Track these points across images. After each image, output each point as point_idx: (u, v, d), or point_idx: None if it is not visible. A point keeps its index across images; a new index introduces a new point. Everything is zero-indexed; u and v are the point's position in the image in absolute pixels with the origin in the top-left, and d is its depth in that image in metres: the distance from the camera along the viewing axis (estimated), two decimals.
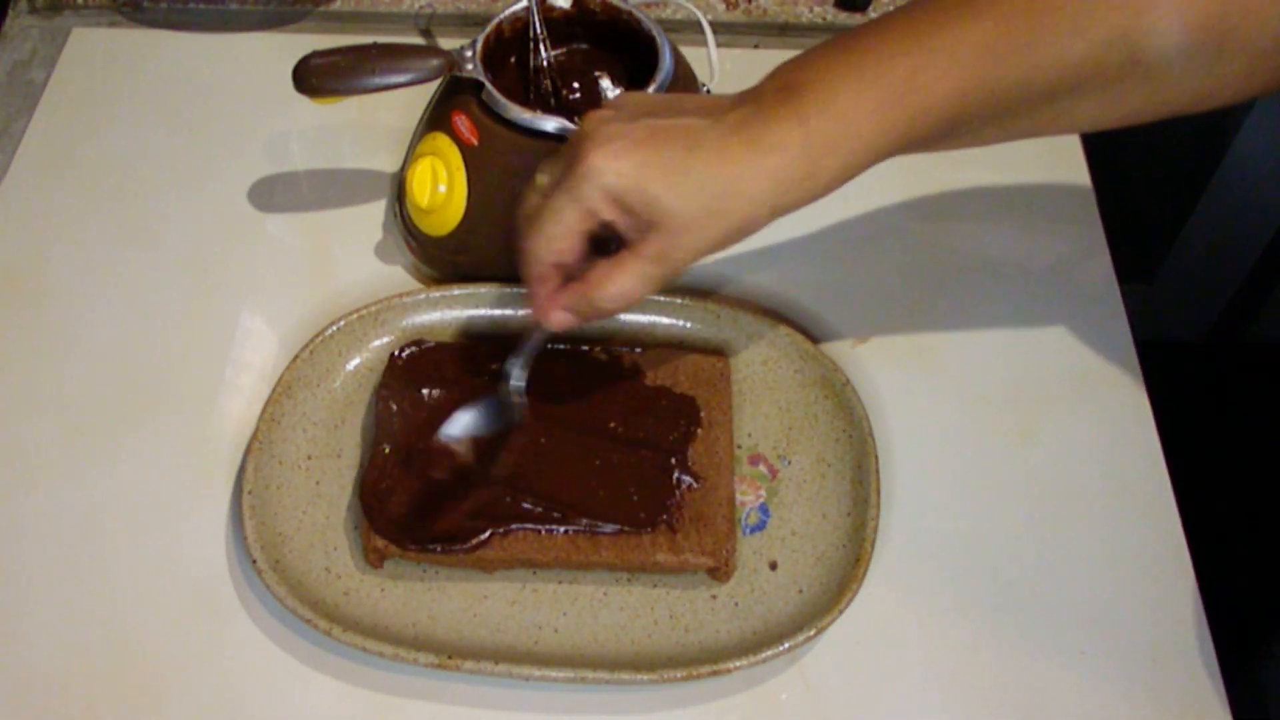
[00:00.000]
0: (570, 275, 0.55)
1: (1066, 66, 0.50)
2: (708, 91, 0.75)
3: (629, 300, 0.54)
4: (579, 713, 0.58)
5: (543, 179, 0.55)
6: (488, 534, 0.59)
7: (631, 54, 0.72)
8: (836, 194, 0.77)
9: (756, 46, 0.87)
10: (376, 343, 0.68)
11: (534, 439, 0.62)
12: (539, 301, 0.56)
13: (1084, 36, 0.50)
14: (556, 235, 0.53)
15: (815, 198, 0.52)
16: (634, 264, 0.53)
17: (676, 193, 0.50)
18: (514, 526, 0.59)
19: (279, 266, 0.74)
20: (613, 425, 0.63)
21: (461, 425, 0.61)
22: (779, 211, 0.52)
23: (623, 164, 0.50)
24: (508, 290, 0.69)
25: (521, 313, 0.69)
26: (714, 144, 0.51)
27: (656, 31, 0.70)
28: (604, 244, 0.54)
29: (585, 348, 0.66)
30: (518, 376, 0.61)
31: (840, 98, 0.50)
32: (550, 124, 0.66)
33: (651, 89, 0.67)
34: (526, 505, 0.60)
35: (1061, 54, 0.50)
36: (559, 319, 0.56)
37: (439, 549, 0.59)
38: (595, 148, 0.51)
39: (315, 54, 0.67)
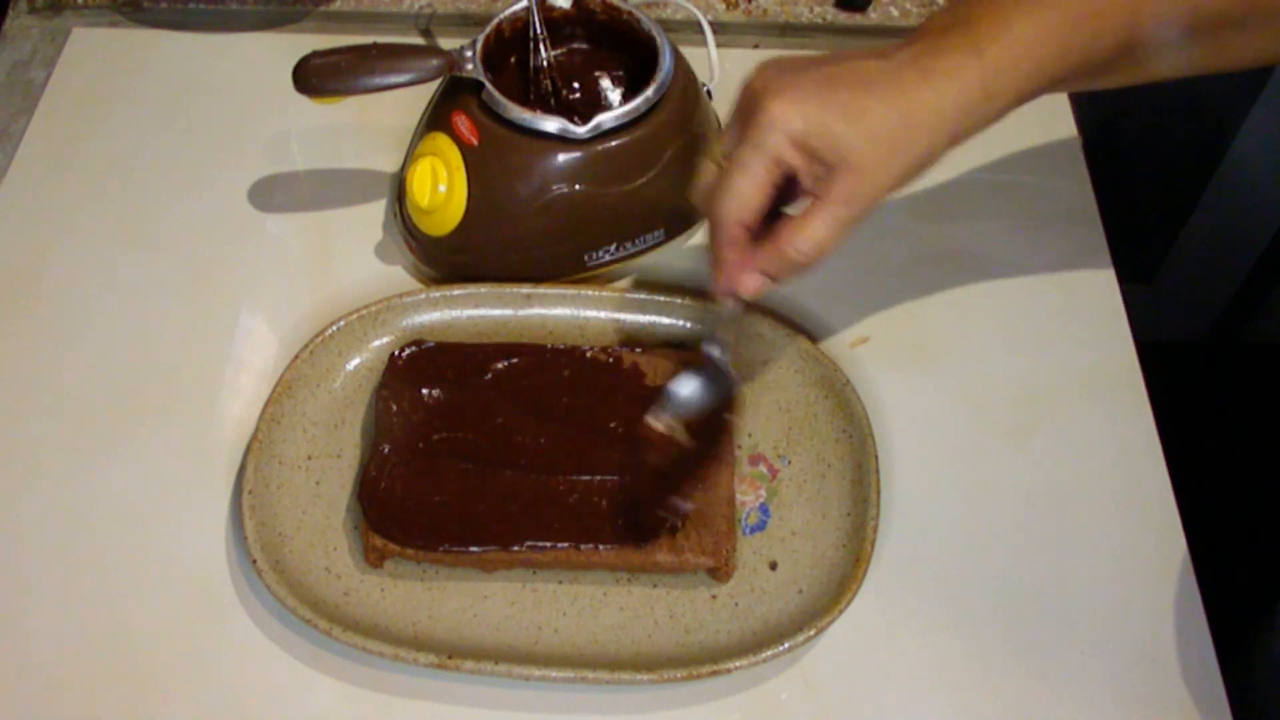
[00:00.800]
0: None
1: None
2: (709, 92, 0.75)
3: (824, 250, 0.53)
4: (579, 713, 0.58)
5: (719, 149, 0.55)
6: (493, 548, 0.59)
7: (631, 54, 0.72)
8: None
9: (756, 46, 0.87)
10: (376, 343, 0.68)
11: (535, 439, 0.62)
12: (731, 269, 0.55)
13: None
14: (747, 191, 0.53)
15: (990, 123, 0.53)
16: (824, 210, 0.53)
17: (859, 129, 0.51)
18: (517, 548, 0.59)
19: (279, 266, 0.74)
20: (613, 425, 0.63)
21: (678, 401, 0.61)
22: (959, 139, 0.53)
23: (805, 107, 0.51)
24: (508, 290, 0.69)
25: (522, 312, 0.69)
26: (889, 79, 0.51)
27: (656, 31, 0.70)
28: (776, 213, 0.55)
29: (585, 348, 0.66)
30: (722, 351, 0.60)
31: (1015, 24, 0.52)
32: (550, 124, 0.66)
33: (651, 89, 0.67)
34: (530, 523, 0.60)
35: None
36: (752, 283, 0.55)
37: (439, 549, 0.59)
38: (774, 96, 0.51)
39: (315, 54, 0.67)
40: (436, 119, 0.70)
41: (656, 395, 0.62)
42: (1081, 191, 0.78)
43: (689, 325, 0.69)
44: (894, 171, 0.52)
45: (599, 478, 0.61)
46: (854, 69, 0.52)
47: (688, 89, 0.71)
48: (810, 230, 0.53)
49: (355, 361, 0.68)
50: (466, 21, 0.87)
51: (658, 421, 0.60)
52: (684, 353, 0.67)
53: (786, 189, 0.54)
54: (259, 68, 0.84)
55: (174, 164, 0.79)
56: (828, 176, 0.52)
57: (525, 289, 0.69)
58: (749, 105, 0.53)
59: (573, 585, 0.61)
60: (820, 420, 0.66)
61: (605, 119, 0.67)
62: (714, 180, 0.55)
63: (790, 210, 0.55)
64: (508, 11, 0.71)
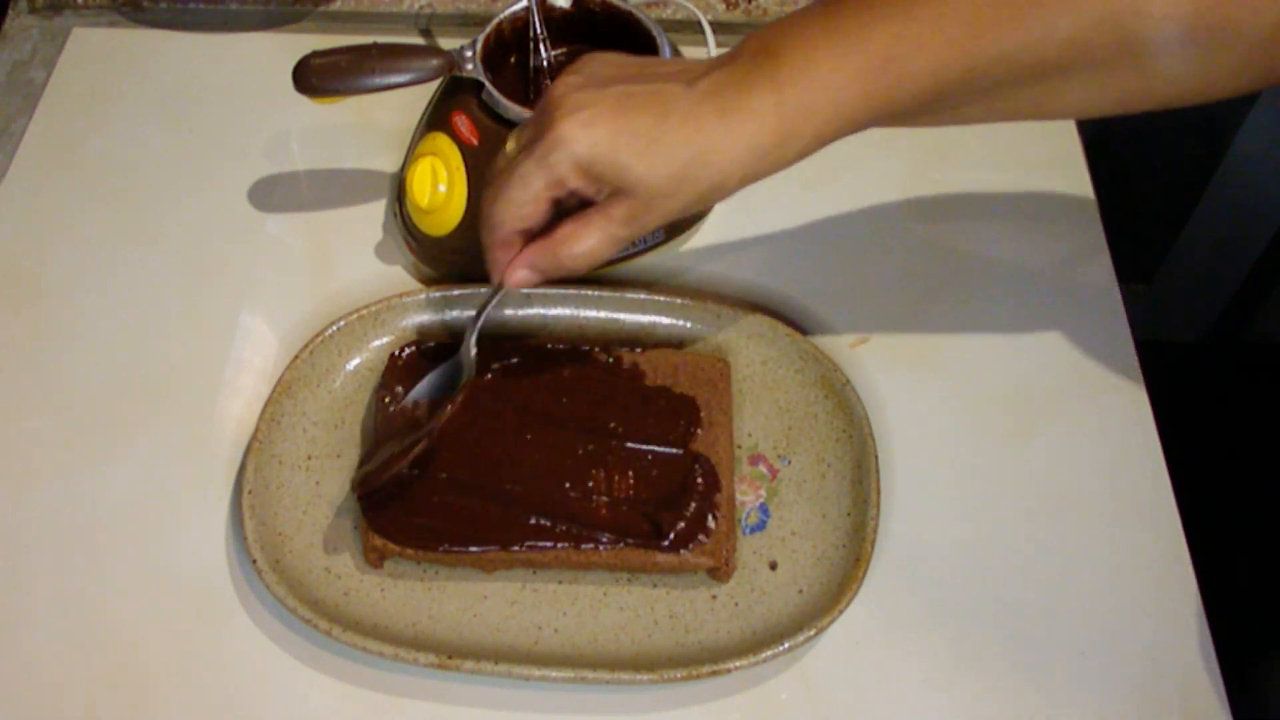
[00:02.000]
0: (531, 235, 0.55)
1: (1053, 44, 0.50)
2: None
3: (595, 260, 0.54)
4: (579, 713, 0.58)
5: (512, 145, 0.55)
6: (493, 548, 0.59)
7: (631, 54, 0.72)
8: (836, 193, 0.77)
9: None
10: (376, 343, 0.68)
11: (534, 439, 0.62)
12: (497, 267, 0.56)
13: (1073, 14, 0.49)
14: (523, 201, 0.53)
15: (786, 165, 0.52)
16: (602, 224, 0.53)
17: (648, 162, 0.50)
18: (517, 548, 0.59)
19: (279, 266, 0.74)
20: (613, 425, 0.63)
21: (419, 390, 0.62)
22: (749, 179, 0.52)
23: (593, 133, 0.50)
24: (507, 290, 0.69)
25: (522, 312, 0.69)
26: (685, 111, 0.50)
27: (656, 31, 0.70)
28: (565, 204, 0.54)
29: (585, 348, 0.66)
30: (469, 342, 0.61)
31: (818, 65, 0.50)
32: None
33: None
34: (530, 523, 0.60)
35: (1049, 31, 0.49)
36: (521, 277, 0.56)
37: (439, 549, 0.59)
38: (565, 116, 0.50)
39: (315, 54, 0.67)
40: (436, 119, 0.70)
41: (639, 397, 0.63)
42: (1081, 191, 0.78)
43: (689, 325, 0.69)
44: (678, 203, 0.52)
45: (599, 478, 0.61)
46: (654, 94, 0.51)
47: None
48: (585, 240, 0.53)
49: (355, 361, 0.68)
50: (466, 21, 0.87)
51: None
52: (683, 353, 0.67)
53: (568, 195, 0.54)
54: (259, 68, 0.84)
55: (174, 164, 0.79)
56: (610, 196, 0.52)
57: (525, 289, 0.69)
58: (543, 115, 0.52)
59: (573, 585, 0.61)
60: (820, 420, 0.66)
61: None
62: (496, 175, 0.54)
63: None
64: (508, 11, 0.71)
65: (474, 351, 0.61)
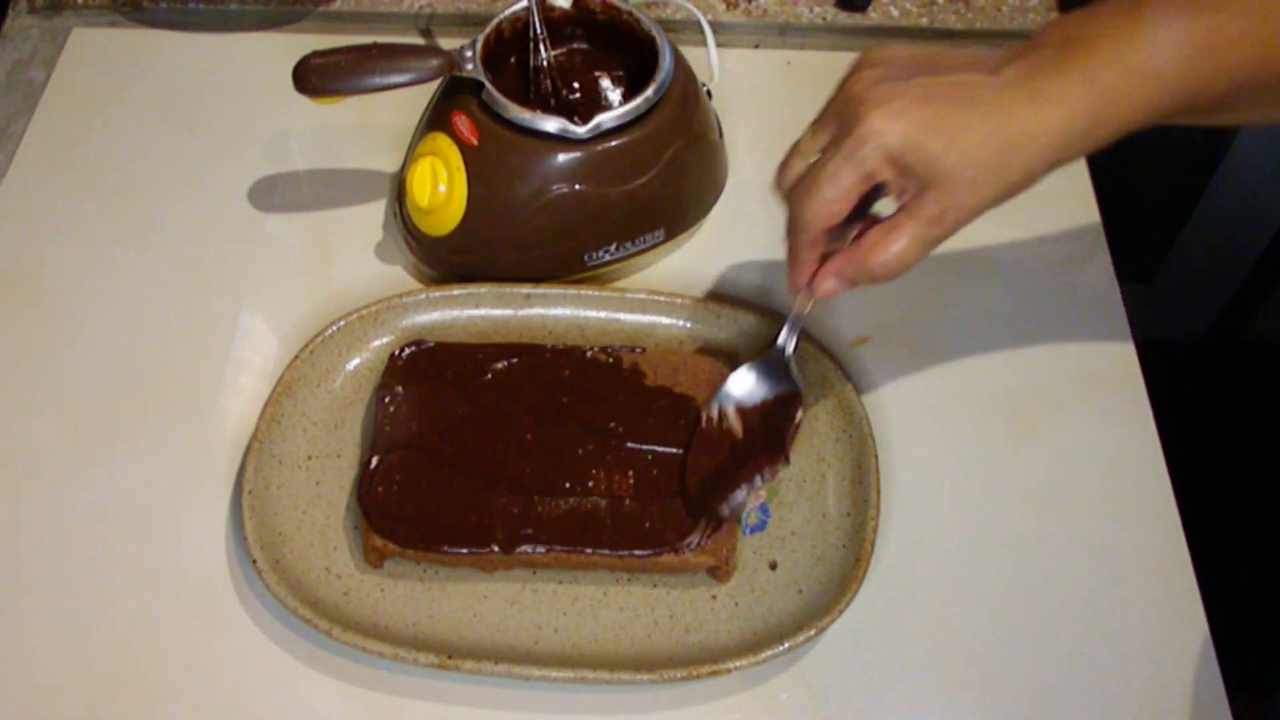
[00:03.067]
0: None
1: None
2: (709, 92, 0.75)
3: (905, 266, 0.53)
4: (579, 713, 0.58)
5: (810, 144, 0.54)
6: (493, 549, 0.59)
7: (631, 54, 0.72)
8: None
9: (756, 46, 0.87)
10: (376, 343, 0.68)
11: (535, 439, 0.62)
12: (804, 268, 0.56)
13: None
14: (834, 199, 0.52)
15: (1091, 151, 0.52)
16: (910, 226, 0.52)
17: (958, 151, 0.50)
18: (517, 549, 0.59)
19: (279, 266, 0.74)
20: (613, 425, 0.63)
21: (743, 388, 0.63)
22: (1057, 165, 0.52)
23: (903, 124, 0.50)
24: (508, 290, 0.69)
25: (522, 312, 0.69)
26: (993, 99, 0.50)
27: (656, 31, 0.70)
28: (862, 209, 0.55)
29: (585, 348, 0.66)
30: (789, 345, 0.62)
31: (1133, 52, 0.49)
32: (550, 124, 0.66)
33: (651, 89, 0.67)
34: (531, 523, 0.60)
35: None
36: (830, 286, 0.56)
37: (439, 549, 0.59)
38: (873, 108, 0.50)
39: (315, 54, 0.67)
40: (436, 119, 0.70)
41: (639, 397, 0.63)
42: (1081, 191, 0.78)
43: (689, 325, 0.69)
44: (986, 195, 0.51)
45: (599, 478, 0.61)
46: (959, 84, 0.51)
47: (688, 89, 0.71)
48: (895, 245, 0.52)
49: (355, 361, 0.68)
50: (466, 21, 0.87)
51: (716, 412, 0.63)
52: (683, 353, 0.67)
53: (873, 191, 0.54)
54: (259, 68, 0.84)
55: (174, 164, 0.79)
56: (918, 194, 0.51)
57: (525, 289, 0.69)
58: (846, 110, 0.52)
59: (573, 585, 0.61)
60: (820, 420, 0.66)
61: (605, 119, 0.67)
62: (801, 177, 0.54)
63: (876, 211, 0.55)
64: (508, 11, 0.71)
65: (796, 370, 0.63)
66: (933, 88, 0.50)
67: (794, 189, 0.55)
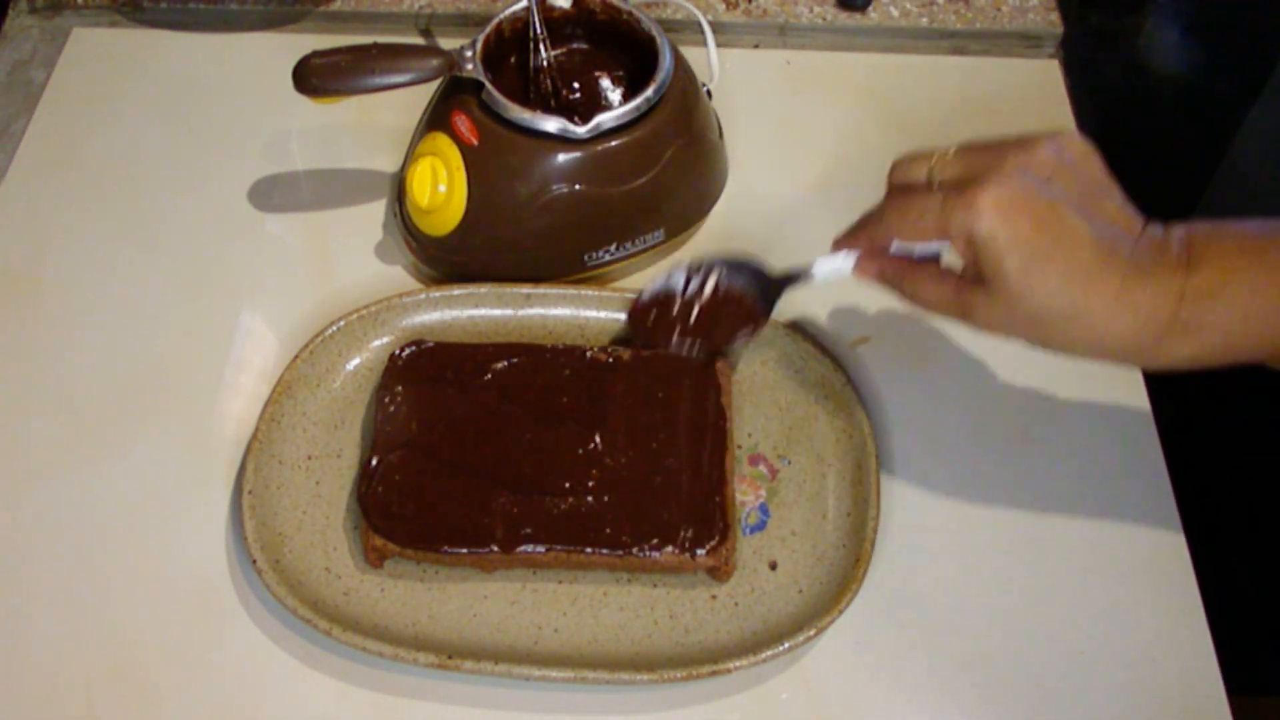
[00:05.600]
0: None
1: None
2: (708, 92, 0.75)
3: (927, 309, 0.55)
4: (579, 713, 0.58)
5: (945, 164, 0.53)
6: (493, 549, 0.59)
7: (631, 54, 0.72)
8: (836, 194, 0.77)
9: (756, 46, 0.87)
10: (376, 343, 0.68)
11: (535, 439, 0.62)
12: (854, 242, 0.57)
13: None
14: (907, 230, 0.53)
15: (1140, 368, 0.52)
16: (953, 292, 0.53)
17: (1027, 283, 0.50)
18: (519, 551, 0.59)
19: (279, 266, 0.74)
20: (613, 425, 0.63)
21: (735, 279, 0.65)
22: (1100, 359, 0.52)
23: (1004, 227, 0.49)
24: (508, 290, 0.69)
25: (522, 312, 0.69)
26: (1089, 269, 0.49)
27: (656, 31, 0.70)
28: None
29: (585, 348, 0.66)
30: (788, 285, 0.63)
31: (1228, 293, 0.49)
32: (550, 124, 0.66)
33: (651, 89, 0.67)
34: (530, 523, 0.60)
35: None
36: (868, 269, 0.57)
37: (439, 549, 0.59)
38: (993, 189, 0.50)
39: (315, 54, 0.67)
40: (436, 119, 0.70)
41: (639, 397, 0.64)
42: None
43: None
44: (1016, 332, 0.52)
45: (599, 478, 0.61)
46: (1076, 230, 0.49)
47: (688, 89, 0.71)
48: (931, 292, 0.54)
49: (355, 361, 0.68)
50: (466, 21, 0.87)
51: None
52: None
53: None
54: (259, 68, 0.84)
55: (174, 164, 0.79)
56: (974, 278, 0.52)
57: (525, 289, 0.69)
58: (989, 168, 0.51)
59: (573, 585, 0.61)
60: (820, 420, 0.66)
61: (605, 119, 0.67)
62: (909, 189, 0.54)
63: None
64: (508, 11, 0.71)
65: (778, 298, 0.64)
66: (1054, 216, 0.49)
67: (895, 195, 0.55)
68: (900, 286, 0.56)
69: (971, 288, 0.52)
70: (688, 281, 0.65)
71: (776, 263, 0.74)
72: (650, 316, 0.65)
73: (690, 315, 0.64)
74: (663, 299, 0.65)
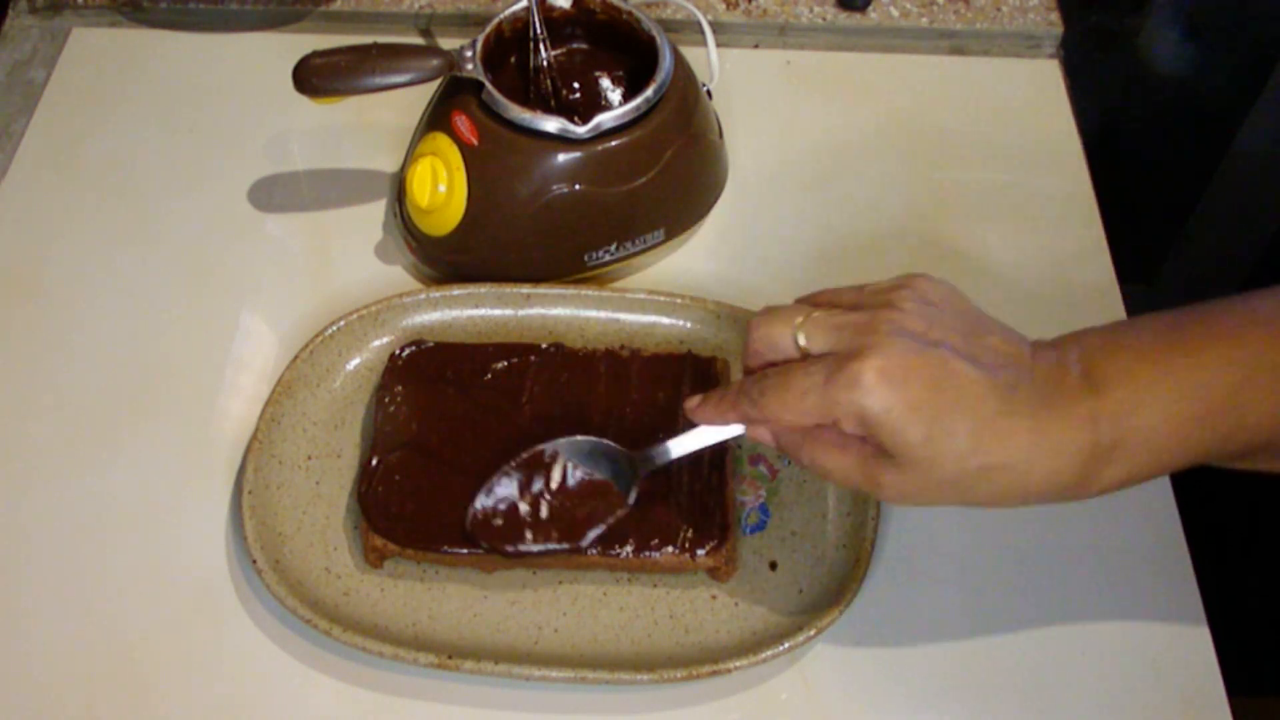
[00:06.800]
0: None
1: None
2: (709, 92, 0.75)
3: (836, 483, 0.51)
4: (579, 713, 0.58)
5: (816, 333, 0.49)
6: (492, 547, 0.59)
7: (631, 54, 0.72)
8: (836, 194, 0.77)
9: (756, 46, 0.87)
10: (376, 343, 0.68)
11: (535, 439, 0.62)
12: (728, 424, 0.52)
13: None
14: (789, 412, 0.49)
15: (1075, 500, 0.48)
16: (856, 464, 0.49)
17: (934, 449, 0.46)
18: (520, 549, 0.59)
19: (279, 266, 0.74)
20: (613, 425, 0.63)
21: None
22: (1031, 504, 0.48)
23: (895, 398, 0.45)
24: (508, 290, 0.69)
25: (522, 312, 0.69)
26: (994, 419, 0.46)
27: (656, 31, 0.70)
28: None
29: (586, 348, 0.66)
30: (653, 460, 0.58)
31: (1144, 408, 0.46)
32: (550, 124, 0.66)
33: (651, 89, 0.67)
34: (530, 523, 0.59)
35: None
36: (762, 436, 0.52)
37: (439, 549, 0.59)
38: (875, 359, 0.46)
39: (315, 54, 0.67)
40: (436, 119, 0.70)
41: (639, 397, 0.62)
42: (1081, 191, 0.78)
43: (689, 325, 0.69)
44: (934, 499, 0.48)
45: (599, 478, 0.61)
46: (970, 383, 0.46)
47: (688, 89, 0.71)
48: (837, 464, 0.49)
49: (355, 361, 0.68)
50: (466, 21, 0.87)
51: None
52: (684, 353, 0.67)
53: None
54: (259, 68, 0.84)
55: (174, 164, 0.79)
56: (877, 453, 0.47)
57: (525, 289, 0.69)
58: (865, 332, 0.47)
59: (573, 585, 0.61)
60: None
61: (605, 119, 0.67)
62: (781, 367, 0.49)
63: None
64: (508, 11, 0.71)
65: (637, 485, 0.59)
66: (945, 374, 0.46)
67: (765, 371, 0.50)
68: (798, 455, 0.50)
69: (878, 461, 0.48)
70: (530, 478, 0.60)
71: (775, 266, 0.74)
72: (495, 520, 0.59)
73: (538, 512, 0.59)
74: (505, 500, 0.59)
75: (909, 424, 0.46)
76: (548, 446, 0.60)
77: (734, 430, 0.53)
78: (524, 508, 0.59)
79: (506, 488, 0.60)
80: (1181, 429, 0.46)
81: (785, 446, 0.51)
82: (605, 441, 0.59)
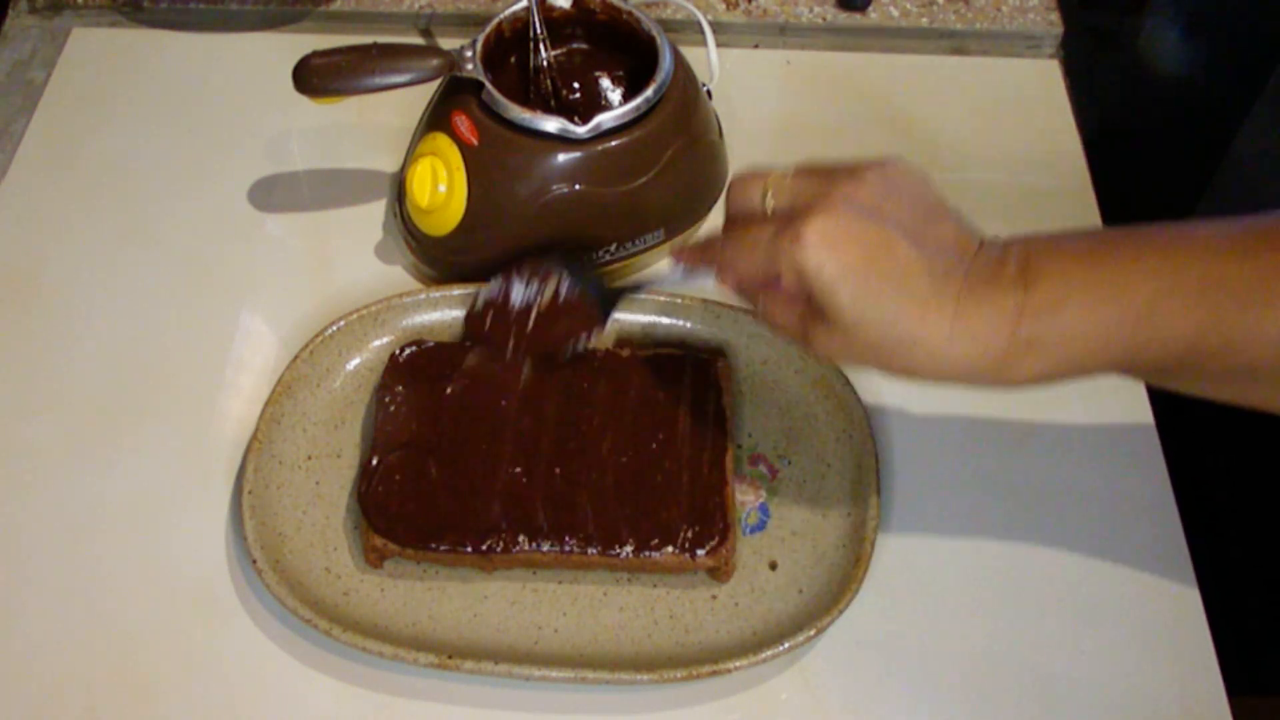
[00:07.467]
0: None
1: None
2: (709, 92, 0.75)
3: (777, 333, 0.53)
4: (579, 713, 0.58)
5: (782, 191, 0.52)
6: (494, 545, 0.59)
7: (631, 54, 0.72)
8: None
9: (756, 46, 0.87)
10: (376, 343, 0.68)
11: (534, 439, 0.62)
12: (697, 267, 0.55)
13: None
14: (741, 263, 0.52)
15: (991, 389, 0.50)
16: (796, 319, 0.51)
17: (859, 313, 0.48)
18: (517, 549, 0.59)
19: (279, 266, 0.74)
20: (613, 425, 0.63)
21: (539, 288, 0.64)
22: (944, 382, 0.50)
23: (829, 258, 0.48)
24: None
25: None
26: (923, 296, 0.48)
27: (656, 31, 0.70)
28: None
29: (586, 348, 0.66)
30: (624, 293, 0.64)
31: (1068, 305, 0.47)
32: (550, 124, 0.66)
33: (651, 89, 0.67)
34: (530, 523, 0.59)
35: None
36: (729, 281, 0.54)
37: (439, 549, 0.59)
38: (818, 221, 0.48)
39: (315, 54, 0.67)
40: (436, 119, 0.70)
41: (639, 397, 0.64)
42: (1081, 191, 0.78)
43: (689, 325, 0.69)
44: (858, 360, 0.51)
45: (599, 478, 0.61)
46: (907, 258, 0.48)
47: (688, 89, 0.71)
48: (781, 316, 0.52)
49: (355, 361, 0.68)
50: (466, 21, 0.87)
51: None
52: (683, 353, 0.67)
53: None
54: (259, 68, 0.84)
55: (174, 164, 0.79)
56: (813, 310, 0.50)
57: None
58: (819, 198, 0.49)
59: (573, 585, 0.61)
60: (820, 420, 0.66)
61: (605, 119, 0.67)
62: (742, 225, 0.52)
63: None
64: (508, 11, 0.71)
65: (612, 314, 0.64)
66: (882, 245, 0.48)
67: (731, 230, 0.53)
68: (754, 303, 0.53)
69: (813, 317, 0.50)
70: (526, 285, 0.64)
71: None
72: (487, 319, 0.64)
73: (528, 319, 0.63)
74: (499, 301, 0.64)
75: (839, 285, 0.48)
76: (545, 262, 0.64)
77: (706, 278, 0.56)
78: (515, 311, 0.64)
79: (501, 290, 0.65)
80: (1100, 331, 0.47)
81: (745, 295, 0.54)
82: (592, 266, 0.66)
